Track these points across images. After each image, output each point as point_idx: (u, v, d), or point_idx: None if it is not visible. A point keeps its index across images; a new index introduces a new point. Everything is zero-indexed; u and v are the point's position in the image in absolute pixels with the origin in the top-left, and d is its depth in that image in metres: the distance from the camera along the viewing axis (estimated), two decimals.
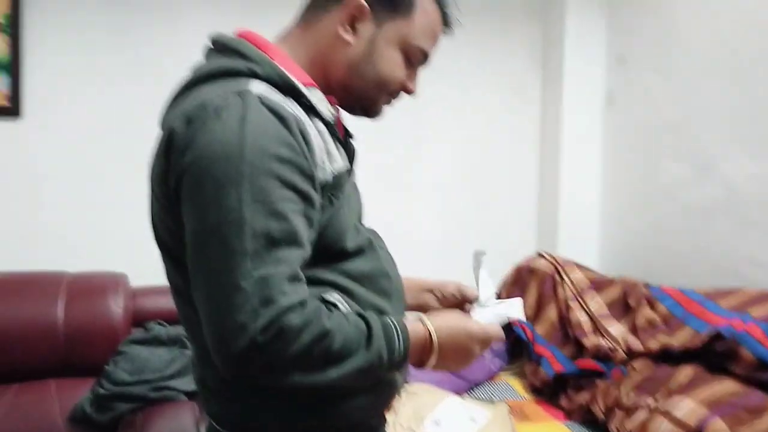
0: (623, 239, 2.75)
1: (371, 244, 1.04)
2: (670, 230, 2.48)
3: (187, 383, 1.97)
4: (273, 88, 0.92)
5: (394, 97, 1.08)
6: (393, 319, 0.93)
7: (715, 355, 1.86)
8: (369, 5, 1.00)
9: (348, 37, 1.01)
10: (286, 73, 0.95)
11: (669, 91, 2.50)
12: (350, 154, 1.11)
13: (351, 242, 0.99)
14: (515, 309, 1.16)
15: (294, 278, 0.84)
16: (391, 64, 1.03)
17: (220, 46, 1.00)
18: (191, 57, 1.04)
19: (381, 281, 1.03)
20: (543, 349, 2.26)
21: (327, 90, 1.02)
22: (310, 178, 0.88)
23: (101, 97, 2.32)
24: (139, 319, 2.14)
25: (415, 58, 1.05)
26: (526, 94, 2.93)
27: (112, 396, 1.93)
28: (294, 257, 0.85)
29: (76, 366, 2.03)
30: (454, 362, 1.01)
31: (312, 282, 0.92)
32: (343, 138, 1.09)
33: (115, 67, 2.33)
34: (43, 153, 2.27)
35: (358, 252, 1.01)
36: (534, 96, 2.94)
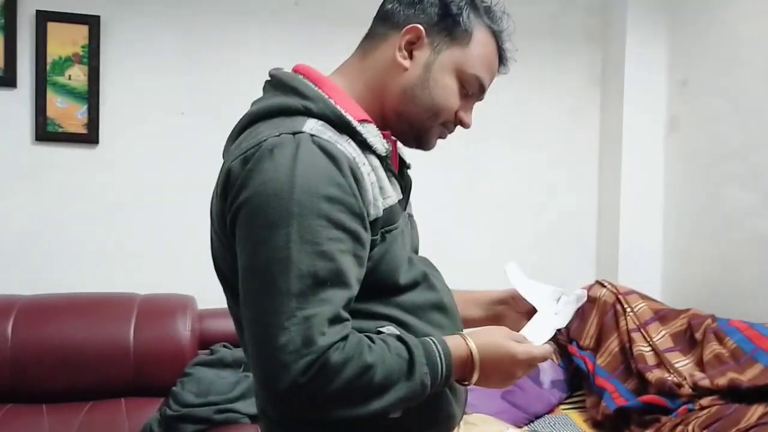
0: (687, 269, 2.69)
1: (426, 277, 1.05)
2: (737, 260, 2.41)
3: (251, 406, 2.01)
4: (327, 126, 0.94)
5: (447, 129, 1.09)
6: (435, 340, 0.94)
7: None
8: (426, 32, 1.02)
9: (405, 62, 1.03)
10: (340, 110, 0.97)
11: (733, 116, 2.44)
12: (406, 184, 1.13)
13: (404, 277, 1.00)
14: (574, 303, 1.15)
15: (336, 318, 0.86)
16: (446, 91, 1.04)
17: (276, 82, 1.03)
18: (257, 85, 1.07)
19: (435, 313, 1.04)
20: (604, 381, 2.22)
21: (382, 118, 1.04)
22: (360, 217, 0.90)
23: (172, 125, 2.41)
24: (205, 341, 2.20)
25: (470, 87, 1.06)
26: (585, 118, 2.90)
27: (178, 417, 1.98)
28: (339, 297, 0.86)
29: (146, 386, 2.08)
30: (497, 381, 1.00)
31: (367, 316, 0.95)
32: (398, 169, 1.10)
33: (185, 95, 2.42)
34: (117, 179, 2.37)
35: (413, 285, 1.02)
36: (593, 119, 2.91)
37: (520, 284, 1.19)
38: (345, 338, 0.86)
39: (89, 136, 2.32)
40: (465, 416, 2.04)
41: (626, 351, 2.26)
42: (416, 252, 1.15)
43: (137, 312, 2.13)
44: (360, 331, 0.94)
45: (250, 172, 0.89)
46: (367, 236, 0.92)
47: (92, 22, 2.30)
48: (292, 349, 0.82)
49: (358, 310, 0.94)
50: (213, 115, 2.35)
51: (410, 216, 1.14)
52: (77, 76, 2.31)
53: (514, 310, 1.22)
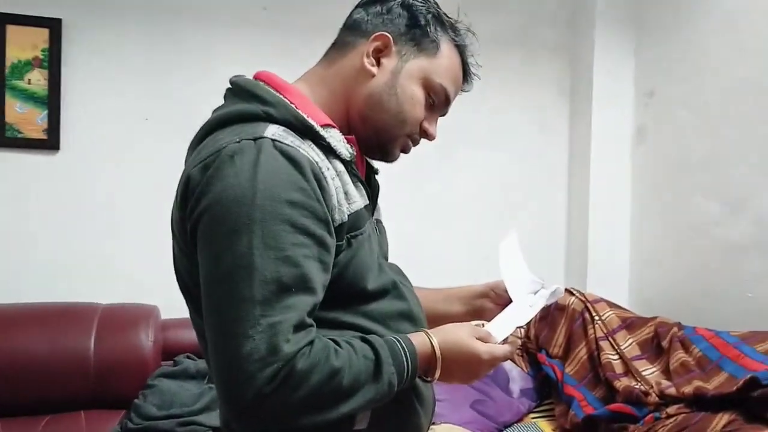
0: (654, 277, 2.71)
1: (395, 285, 1.04)
2: (703, 269, 2.44)
3: (214, 418, 1.97)
4: (289, 131, 0.93)
5: (412, 141, 1.07)
6: (399, 339, 0.93)
7: (752, 402, 1.81)
8: (394, 41, 1.02)
9: (372, 68, 1.02)
10: (303, 114, 0.96)
11: (698, 127, 2.48)
12: (374, 190, 1.12)
13: (372, 283, 0.98)
14: (545, 299, 1.14)
15: (301, 325, 0.84)
16: (413, 99, 1.03)
17: (237, 89, 1.01)
18: (222, 92, 1.04)
19: (403, 322, 1.03)
20: (573, 390, 2.22)
21: (347, 123, 1.03)
22: (324, 221, 0.88)
23: (136, 132, 2.36)
24: (168, 351, 2.15)
25: (437, 97, 1.05)
26: (554, 129, 2.93)
27: (140, 430, 1.93)
28: (304, 303, 0.85)
29: (106, 398, 2.04)
30: (459, 378, 1.01)
31: (332, 325, 0.93)
32: (365, 175, 1.10)
33: (150, 102, 2.38)
34: (79, 186, 2.31)
35: (382, 293, 1.01)
36: (562, 131, 2.94)
37: (507, 266, 1.19)
38: (310, 344, 0.84)
39: (50, 142, 2.27)
40: (433, 427, 2.03)
41: (594, 359, 2.27)
42: (386, 258, 1.14)
43: (98, 322, 2.08)
44: None
45: (210, 179, 0.87)
46: (332, 241, 0.90)
47: (53, 26, 2.25)
48: (256, 358, 0.80)
49: (323, 318, 0.92)
50: (178, 121, 2.30)
51: (379, 222, 1.13)
52: (37, 80, 2.25)
53: (494, 303, 1.22)
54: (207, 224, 0.86)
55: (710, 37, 2.43)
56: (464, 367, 0.98)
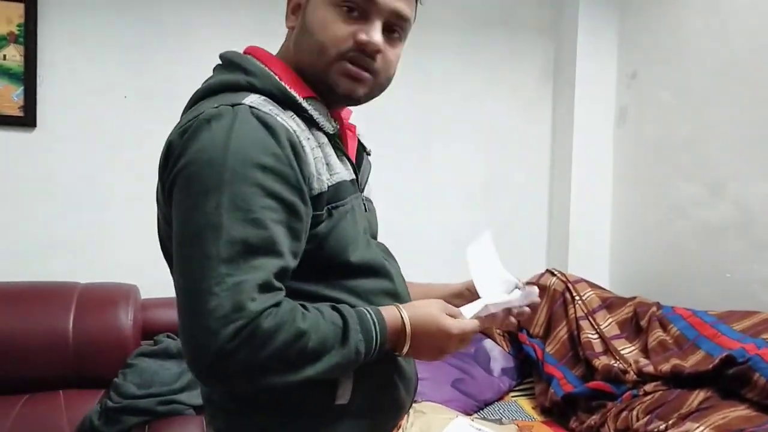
0: (634, 258, 2.74)
1: (384, 268, 1.04)
2: (682, 250, 2.47)
3: (195, 397, 1.97)
4: (270, 101, 0.93)
5: (351, 61, 0.97)
6: (369, 310, 0.93)
7: (727, 380, 1.84)
8: None
9: (290, 23, 1.02)
10: (285, 86, 0.96)
11: (681, 109, 2.49)
12: (364, 168, 1.12)
13: (356, 256, 0.98)
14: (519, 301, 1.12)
15: (267, 285, 0.83)
16: (325, 23, 0.96)
17: (225, 62, 1.02)
18: (203, 72, 1.05)
19: (386, 299, 1.03)
20: (553, 369, 2.24)
21: (305, 87, 1.00)
22: (297, 188, 0.88)
23: (115, 109, 2.32)
24: (148, 331, 2.14)
25: (352, 4, 0.96)
26: (537, 109, 2.93)
27: (120, 409, 1.92)
28: (271, 265, 0.84)
29: (85, 378, 2.02)
30: (428, 353, 0.99)
31: (314, 298, 0.92)
32: (356, 153, 1.10)
33: (129, 79, 2.34)
34: (56, 164, 2.27)
35: (368, 271, 1.01)
36: (545, 112, 2.94)
37: (477, 268, 1.17)
38: (277, 305, 0.84)
39: (26, 119, 2.22)
40: (414, 404, 2.05)
41: (574, 338, 2.29)
42: (374, 237, 1.14)
43: (77, 301, 2.06)
44: None
45: (187, 142, 0.88)
46: (304, 209, 0.90)
47: (29, 1, 2.20)
48: (220, 315, 0.79)
49: (303, 291, 0.93)
50: (157, 99, 2.29)
51: (369, 201, 1.13)
52: (12, 56, 2.21)
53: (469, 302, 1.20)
54: (180, 185, 0.87)
55: (692, 19, 2.44)
56: (434, 341, 0.97)
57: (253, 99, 0.92)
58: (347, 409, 0.97)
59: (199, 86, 1.00)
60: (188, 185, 0.86)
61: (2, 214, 2.23)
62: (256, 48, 1.04)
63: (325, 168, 0.95)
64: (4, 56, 2.20)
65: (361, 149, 1.15)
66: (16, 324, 1.99)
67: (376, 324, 0.92)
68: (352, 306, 0.96)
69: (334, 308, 0.91)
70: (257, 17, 2.44)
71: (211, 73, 1.04)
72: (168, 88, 2.20)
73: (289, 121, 0.92)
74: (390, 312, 0.95)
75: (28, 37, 2.21)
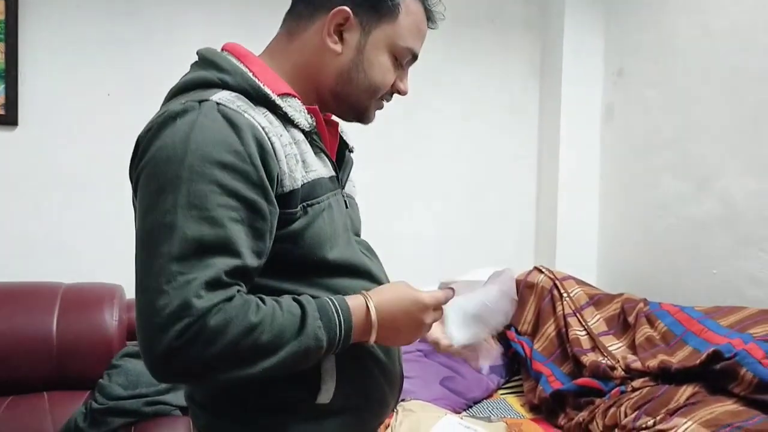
0: (621, 254, 2.75)
1: (364, 265, 1.04)
2: (669, 246, 2.47)
3: (181, 398, 1.93)
4: (242, 97, 0.93)
5: (385, 100, 1.09)
6: (332, 297, 0.92)
7: (715, 375, 1.84)
8: (354, 13, 1.00)
9: (336, 46, 1.01)
10: (258, 82, 0.96)
11: (667, 106, 2.50)
12: (346, 165, 1.12)
13: (334, 253, 0.98)
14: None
15: (217, 283, 0.82)
16: (382, 69, 1.03)
17: (201, 59, 1.01)
18: (187, 69, 1.04)
19: None
20: (541, 366, 2.24)
21: (318, 98, 1.03)
22: (259, 186, 0.87)
23: (98, 107, 2.29)
24: (134, 331, 2.10)
25: (403, 58, 1.06)
26: (524, 107, 2.93)
27: (105, 410, 1.90)
28: (223, 264, 0.83)
29: (70, 379, 1.99)
30: (407, 331, 0.98)
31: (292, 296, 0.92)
32: (337, 149, 1.10)
33: (112, 76, 2.31)
34: (39, 163, 2.24)
35: (348, 270, 1.00)
36: (532, 109, 2.94)
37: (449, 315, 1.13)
38: (228, 300, 0.83)
39: (7, 117, 2.19)
40: (403, 403, 2.04)
41: (562, 335, 2.29)
42: (357, 234, 1.13)
43: (61, 301, 2.03)
44: None
45: (151, 139, 0.88)
46: (267, 207, 0.88)
47: None
48: (167, 312, 0.79)
49: (282, 290, 0.92)
50: (140, 96, 2.25)
51: (350, 197, 1.13)
52: None
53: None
54: (142, 182, 0.87)
55: (677, 17, 2.44)
56: (409, 316, 0.97)
57: (222, 95, 0.91)
58: (329, 407, 0.96)
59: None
60: (148, 183, 0.86)
61: None
62: (234, 45, 1.03)
63: (300, 165, 0.94)
64: None
65: (344, 146, 1.15)
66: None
67: (339, 311, 0.91)
68: None
69: (294, 299, 0.90)
70: (241, 13, 2.43)
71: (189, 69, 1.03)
72: (152, 85, 2.15)
73: (258, 117, 0.91)
74: (355, 299, 0.94)
75: (8, 33, 2.18)
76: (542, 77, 2.93)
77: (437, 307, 1.00)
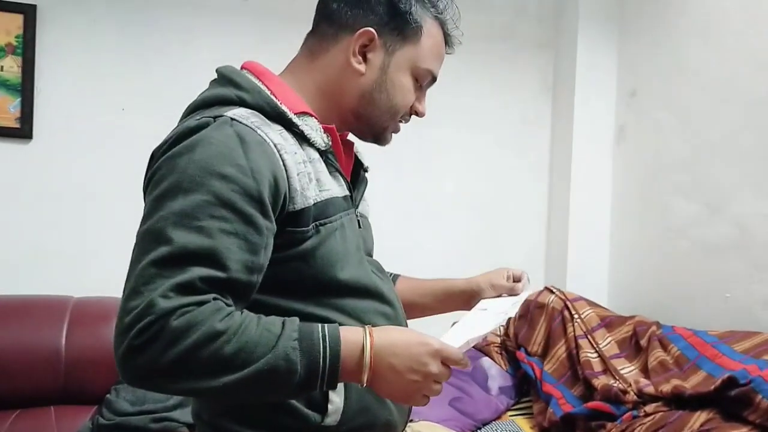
0: (633, 276, 2.72)
1: (375, 286, 1.03)
2: (682, 269, 2.45)
3: (189, 415, 1.92)
4: (259, 115, 0.93)
5: (404, 121, 1.10)
6: (326, 325, 0.86)
7: (729, 402, 1.81)
8: (378, 34, 1.02)
9: (360, 67, 1.02)
10: (276, 100, 0.96)
11: (679, 128, 2.49)
12: (360, 185, 1.13)
13: (345, 273, 0.97)
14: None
15: (190, 287, 0.81)
16: (403, 90, 1.05)
17: (219, 77, 1.02)
18: (201, 85, 1.05)
19: (380, 318, 1.01)
20: (551, 388, 2.21)
21: (339, 118, 1.04)
22: (257, 201, 0.86)
23: (113, 121, 2.31)
24: None
25: (423, 80, 1.08)
26: (536, 126, 2.92)
27: (112, 426, 1.89)
28: (202, 273, 0.82)
29: (77, 393, 1.99)
30: (403, 383, 0.86)
31: (303, 316, 0.90)
32: (351, 168, 1.11)
33: (127, 91, 2.33)
34: (53, 176, 2.25)
35: (359, 291, 0.99)
36: (544, 128, 2.93)
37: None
38: (198, 304, 0.80)
39: (22, 131, 2.21)
40: (411, 424, 2.00)
41: (573, 357, 2.26)
42: (370, 255, 1.13)
43: (70, 315, 2.04)
44: None
45: (165, 152, 0.90)
46: (264, 223, 0.87)
47: (28, 11, 2.19)
48: (136, 312, 0.79)
49: (292, 310, 0.92)
50: (155, 111, 2.25)
51: (364, 217, 1.13)
52: (10, 67, 2.19)
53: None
54: (147, 191, 0.90)
55: (690, 38, 2.44)
56: (412, 359, 0.86)
57: (237, 112, 0.92)
58: (336, 430, 0.95)
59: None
60: (151, 191, 0.88)
61: None
62: (253, 63, 1.04)
63: (314, 184, 0.95)
64: (2, 67, 2.19)
65: (359, 165, 1.15)
66: (7, 338, 1.96)
67: (326, 337, 0.84)
68: (341, 325, 0.92)
69: (283, 318, 0.86)
70: (256, 26, 2.44)
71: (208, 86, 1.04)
72: (167, 98, 2.18)
73: (272, 134, 0.92)
74: (353, 331, 0.87)
75: (26, 47, 2.20)
76: (555, 97, 2.92)
77: (446, 360, 0.88)
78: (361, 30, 1.01)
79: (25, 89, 2.20)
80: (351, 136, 1.14)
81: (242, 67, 1.04)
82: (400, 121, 1.10)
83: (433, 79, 1.10)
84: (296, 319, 0.86)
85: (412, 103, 1.08)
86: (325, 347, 0.83)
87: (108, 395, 1.97)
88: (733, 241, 2.23)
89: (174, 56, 2.37)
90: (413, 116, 1.11)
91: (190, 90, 1.07)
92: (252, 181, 0.86)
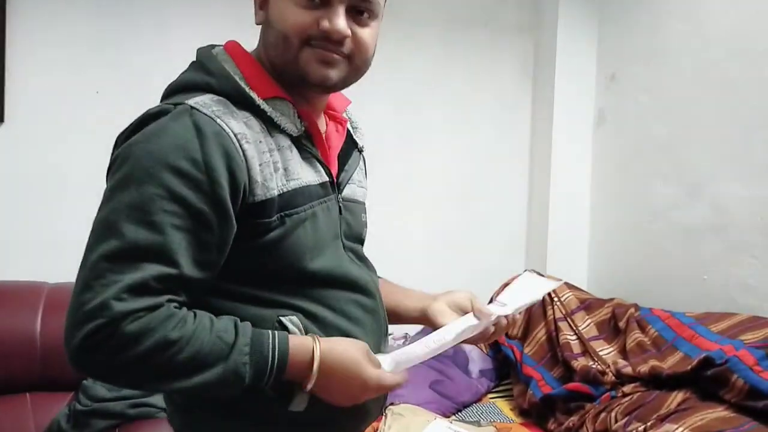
0: (612, 259, 2.74)
1: (348, 275, 1.00)
2: (660, 252, 2.47)
3: None
4: (224, 101, 0.91)
5: (321, 47, 0.93)
6: (276, 334, 0.88)
7: (706, 381, 1.84)
8: None
9: (259, 19, 0.99)
10: (243, 86, 0.93)
11: (659, 111, 2.50)
12: (350, 167, 1.08)
13: (317, 264, 0.95)
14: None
15: (142, 288, 0.81)
16: (283, 12, 0.93)
17: (195, 60, 1.00)
18: (177, 66, 1.02)
19: (355, 308, 1.00)
20: (531, 370, 2.23)
21: (282, 84, 0.97)
22: (210, 197, 0.85)
23: (87, 104, 2.27)
24: None
25: None
26: (516, 111, 2.92)
27: (89, 412, 1.87)
28: (154, 270, 0.82)
29: (53, 380, 1.96)
30: (338, 397, 0.92)
31: (269, 303, 0.91)
32: (334, 150, 1.04)
33: (101, 74, 2.28)
34: (25, 160, 2.21)
35: (332, 281, 0.97)
36: (524, 113, 2.93)
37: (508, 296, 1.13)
38: (151, 309, 0.81)
39: None
40: (392, 407, 2.02)
41: (553, 340, 2.28)
42: (359, 241, 1.10)
43: (45, 301, 2.00)
44: (261, 319, 0.90)
45: (125, 139, 0.90)
46: (215, 219, 0.86)
47: None
48: (86, 309, 0.80)
49: (263, 299, 0.91)
50: (130, 93, 2.22)
51: (353, 201, 1.08)
52: None
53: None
54: (108, 176, 0.89)
55: (671, 22, 2.45)
56: (348, 386, 0.92)
57: (200, 99, 0.90)
58: (306, 416, 0.93)
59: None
60: (109, 179, 0.88)
61: None
62: (233, 44, 1.01)
63: (281, 173, 0.91)
64: None
65: (352, 145, 1.11)
66: None
67: (276, 350, 0.87)
68: (316, 315, 0.94)
69: (235, 322, 0.87)
70: (233, 10, 2.39)
71: (185, 68, 1.01)
72: (142, 82, 2.15)
73: (234, 123, 0.89)
74: (301, 342, 0.90)
75: None
76: (535, 81, 2.92)
77: (379, 389, 0.94)
78: None
79: None
80: (347, 115, 1.11)
81: (224, 47, 1.00)
82: (316, 48, 0.93)
83: None
84: (248, 326, 0.88)
85: (317, 23, 0.92)
86: (273, 360, 0.86)
87: (84, 381, 1.94)
88: (711, 224, 2.25)
89: (149, 38, 2.33)
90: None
91: (166, 72, 1.04)
92: (205, 177, 0.85)
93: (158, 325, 0.81)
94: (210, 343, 0.84)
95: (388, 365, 0.96)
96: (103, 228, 0.83)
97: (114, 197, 0.84)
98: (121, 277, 0.80)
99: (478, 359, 2.38)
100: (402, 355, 0.99)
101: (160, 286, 0.82)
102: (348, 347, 0.92)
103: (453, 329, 1.04)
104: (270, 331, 0.88)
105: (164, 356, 0.81)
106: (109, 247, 0.81)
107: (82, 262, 0.84)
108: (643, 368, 2.00)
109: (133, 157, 0.85)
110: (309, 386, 0.89)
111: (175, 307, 0.84)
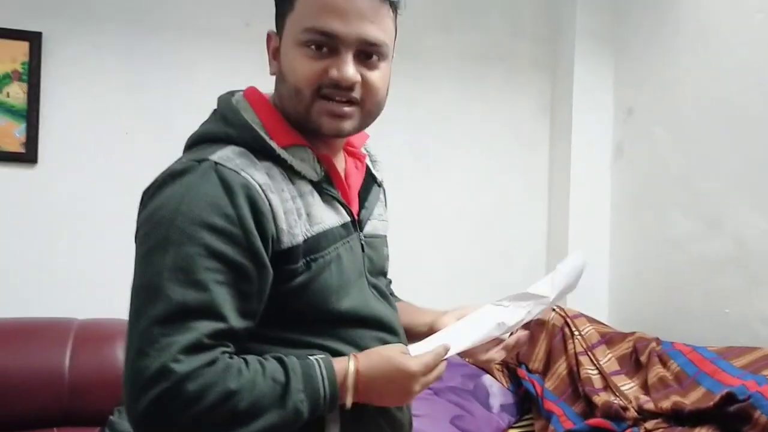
0: (633, 292, 2.73)
1: (372, 314, 1.02)
2: (681, 285, 2.46)
3: None
4: (246, 152, 0.93)
5: (329, 98, 0.95)
6: (320, 361, 0.91)
7: (728, 418, 1.82)
8: (276, 31, 1.00)
9: (273, 69, 1.01)
10: (263, 135, 0.95)
11: (677, 144, 2.51)
12: (369, 202, 1.09)
13: (344, 304, 0.97)
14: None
15: (197, 346, 0.83)
16: (293, 64, 0.95)
17: (216, 109, 1.02)
18: (204, 109, 1.06)
19: (378, 346, 1.00)
20: (553, 405, 2.22)
21: (300, 130, 0.99)
22: (247, 249, 0.88)
23: (116, 146, 2.35)
24: None
25: (314, 42, 0.93)
26: (534, 145, 2.94)
27: None
28: (205, 327, 0.84)
29: (80, 415, 1.99)
30: (392, 398, 0.97)
31: (302, 345, 0.93)
32: (354, 188, 1.06)
33: (130, 115, 2.37)
34: (57, 200, 2.29)
35: (358, 320, 1.00)
36: (542, 148, 2.96)
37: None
38: (209, 364, 0.84)
39: (27, 156, 2.25)
40: None
41: (574, 374, 2.27)
42: (383, 274, 1.13)
43: (74, 337, 2.05)
44: None
45: (150, 198, 0.91)
46: (254, 270, 0.89)
47: (33, 39, 2.24)
48: (147, 376, 0.81)
49: (291, 340, 0.94)
50: (158, 135, 2.31)
51: (375, 236, 1.10)
52: (16, 93, 2.23)
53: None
54: (138, 240, 0.91)
55: (686, 56, 2.47)
56: (395, 384, 0.94)
57: (222, 153, 0.92)
58: None
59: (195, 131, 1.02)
60: (141, 243, 0.89)
61: (4, 250, 2.24)
62: (252, 90, 1.04)
63: (304, 219, 0.94)
64: (8, 94, 2.23)
65: (371, 180, 1.13)
66: (11, 360, 1.97)
67: (325, 379, 0.90)
68: (340, 353, 0.95)
69: (281, 361, 0.89)
70: (259, 54, 2.47)
71: (210, 111, 1.04)
72: (170, 124, 2.23)
73: (258, 174, 0.91)
74: (339, 362, 0.93)
75: (31, 74, 2.24)
76: (552, 116, 2.95)
77: (427, 372, 0.95)
78: (267, 34, 1.01)
79: (30, 115, 2.24)
80: (366, 149, 1.14)
81: (244, 94, 1.02)
82: (324, 99, 0.94)
83: (331, 35, 0.92)
84: (295, 361, 0.90)
85: (325, 73, 0.93)
86: (325, 390, 0.89)
87: (111, 416, 1.97)
88: (732, 257, 2.25)
89: (177, 80, 2.41)
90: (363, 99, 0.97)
91: (193, 113, 1.08)
92: (239, 230, 0.87)
93: (218, 379, 0.83)
94: (267, 387, 0.86)
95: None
96: (147, 293, 0.85)
97: (153, 261, 0.85)
98: (175, 339, 0.82)
99: (498, 393, 2.38)
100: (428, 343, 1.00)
101: (213, 342, 0.85)
102: (381, 349, 0.97)
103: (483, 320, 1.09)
104: (316, 362, 0.90)
105: (227, 407, 0.83)
106: (158, 312, 0.83)
107: (129, 329, 0.85)
108: (665, 404, 1.98)
109: (166, 220, 0.86)
110: (349, 400, 0.92)
111: (229, 358, 0.87)
